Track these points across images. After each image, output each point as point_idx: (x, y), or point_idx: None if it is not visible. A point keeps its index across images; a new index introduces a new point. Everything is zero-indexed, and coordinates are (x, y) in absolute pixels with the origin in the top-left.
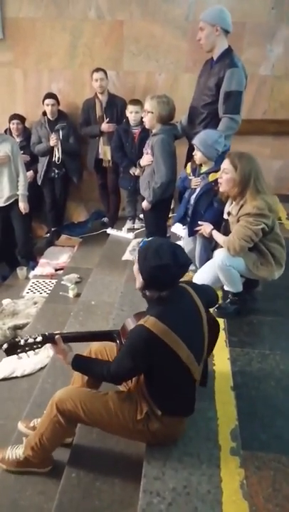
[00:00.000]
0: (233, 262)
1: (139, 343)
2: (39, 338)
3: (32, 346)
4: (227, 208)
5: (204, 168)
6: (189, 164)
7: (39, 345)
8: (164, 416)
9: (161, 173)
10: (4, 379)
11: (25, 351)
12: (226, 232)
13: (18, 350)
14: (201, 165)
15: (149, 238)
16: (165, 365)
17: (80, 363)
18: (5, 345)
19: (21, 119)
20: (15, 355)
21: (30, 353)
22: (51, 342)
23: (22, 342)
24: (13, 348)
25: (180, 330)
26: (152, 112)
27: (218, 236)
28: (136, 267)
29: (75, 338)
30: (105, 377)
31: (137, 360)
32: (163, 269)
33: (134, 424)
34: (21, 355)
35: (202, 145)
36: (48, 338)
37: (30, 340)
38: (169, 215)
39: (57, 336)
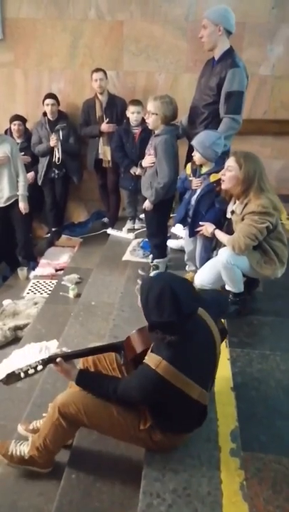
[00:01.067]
0: (238, 260)
1: (149, 386)
2: (39, 367)
3: (33, 375)
4: (231, 207)
5: (205, 169)
6: (189, 165)
7: (40, 371)
8: (167, 432)
9: (164, 173)
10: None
11: (26, 378)
12: (229, 231)
13: (18, 380)
14: (201, 166)
15: (153, 273)
16: (175, 402)
17: (85, 381)
18: (3, 379)
19: (22, 120)
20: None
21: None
22: (52, 363)
23: (22, 375)
24: (13, 379)
25: (193, 371)
26: (157, 114)
27: (221, 235)
28: (139, 301)
29: (76, 355)
30: (110, 398)
31: (145, 398)
32: (165, 324)
33: (136, 432)
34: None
35: (200, 146)
36: (48, 361)
37: (31, 371)
38: (170, 216)
39: (58, 360)
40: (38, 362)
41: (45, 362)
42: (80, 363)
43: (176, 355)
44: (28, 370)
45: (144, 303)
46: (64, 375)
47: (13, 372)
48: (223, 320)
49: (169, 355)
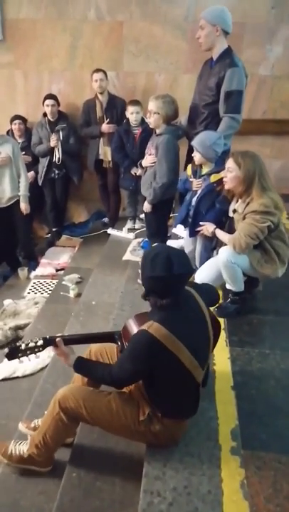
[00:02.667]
0: (238, 259)
1: (141, 348)
2: (40, 342)
3: (33, 350)
4: (232, 206)
5: (205, 170)
6: (190, 166)
7: (40, 349)
8: (165, 418)
9: (163, 173)
10: (5, 379)
11: (27, 355)
12: (230, 230)
13: (19, 355)
14: (201, 166)
15: (153, 244)
16: (167, 370)
17: (82, 366)
18: (6, 350)
19: (23, 119)
20: (16, 359)
21: (32, 356)
22: (52, 345)
23: (23, 346)
24: (14, 352)
25: (183, 336)
26: (158, 113)
27: (221, 234)
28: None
29: (76, 340)
30: (107, 381)
31: (138, 365)
32: (156, 279)
33: (135, 425)
34: (22, 358)
35: (201, 146)
36: (49, 342)
37: (31, 344)
38: (170, 216)
39: (58, 339)
40: (39, 338)
41: (46, 340)
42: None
43: (167, 317)
44: (29, 343)
45: (142, 264)
46: (62, 358)
47: (15, 344)
48: (222, 319)
49: (160, 317)
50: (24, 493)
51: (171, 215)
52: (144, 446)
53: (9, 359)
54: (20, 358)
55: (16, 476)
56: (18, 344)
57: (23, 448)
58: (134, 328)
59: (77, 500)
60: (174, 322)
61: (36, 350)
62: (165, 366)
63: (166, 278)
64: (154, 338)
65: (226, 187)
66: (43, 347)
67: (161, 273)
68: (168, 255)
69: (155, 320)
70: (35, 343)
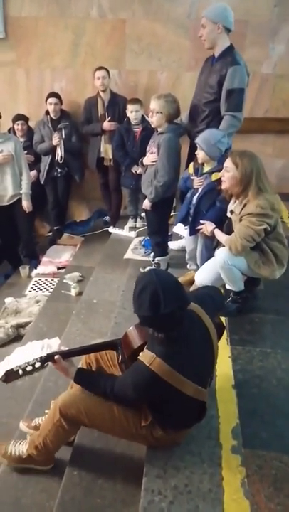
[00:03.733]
0: (235, 261)
1: (142, 383)
2: (37, 364)
3: (31, 372)
4: (230, 207)
5: (207, 168)
6: (192, 164)
7: (38, 369)
8: (167, 428)
9: (165, 171)
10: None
11: (24, 376)
12: (229, 230)
13: (17, 378)
14: (203, 164)
15: (144, 272)
16: (170, 400)
17: (83, 378)
18: (2, 377)
19: (25, 119)
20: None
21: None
22: (51, 361)
23: (20, 372)
24: (11, 377)
25: (187, 368)
26: (161, 112)
27: (220, 235)
28: None
29: (74, 353)
30: (107, 396)
31: (140, 396)
32: (145, 318)
33: (137, 430)
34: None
35: (205, 144)
36: (46, 359)
37: (29, 368)
38: (171, 214)
39: (56, 357)
40: (36, 359)
41: (44, 360)
42: (82, 360)
43: (169, 352)
44: (26, 367)
45: (133, 295)
46: (62, 372)
47: (12, 369)
48: (224, 318)
49: (162, 352)
50: (25, 491)
51: (172, 213)
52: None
53: (6, 382)
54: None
55: (17, 474)
56: (14, 369)
57: (22, 448)
58: (134, 340)
59: (78, 499)
60: (176, 356)
61: (34, 371)
62: (168, 397)
63: (154, 318)
64: (156, 376)
65: (223, 187)
66: (42, 366)
67: (147, 313)
68: (154, 290)
69: (156, 354)
70: (33, 365)
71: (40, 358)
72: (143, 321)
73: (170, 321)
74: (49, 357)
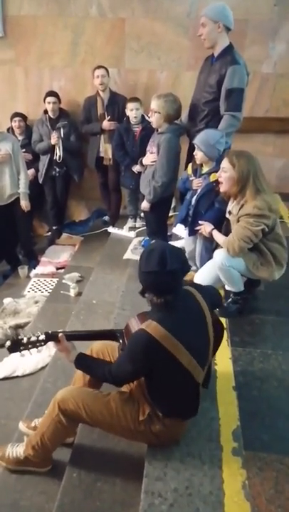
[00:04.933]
0: (233, 262)
1: (139, 348)
2: (42, 337)
3: (35, 344)
4: (228, 207)
5: (205, 169)
6: (190, 165)
7: (42, 344)
8: (165, 418)
9: (163, 172)
10: (5, 378)
11: (28, 349)
12: (227, 231)
13: (21, 348)
14: (202, 165)
15: (152, 241)
16: (165, 369)
17: (83, 362)
18: (8, 343)
19: (23, 116)
20: (17, 353)
21: (33, 350)
22: (54, 340)
23: (25, 340)
24: (16, 345)
25: (182, 335)
26: (160, 112)
27: (218, 236)
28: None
29: (78, 336)
30: (107, 378)
31: (136, 364)
32: (150, 275)
33: (135, 425)
34: (24, 352)
35: (204, 145)
36: (51, 336)
37: (33, 339)
38: (170, 214)
39: (60, 334)
40: (41, 332)
41: (48, 335)
42: None
43: (166, 317)
44: (31, 337)
45: (139, 260)
46: (64, 353)
47: (17, 337)
48: (224, 319)
49: (159, 317)
50: (24, 493)
51: (171, 214)
52: (145, 446)
53: (10, 352)
54: (22, 352)
55: (16, 476)
56: (20, 337)
57: (19, 450)
58: (135, 327)
59: (77, 501)
60: (172, 321)
61: (38, 344)
62: (163, 365)
63: (160, 273)
64: (152, 338)
65: (221, 189)
66: (45, 342)
67: (154, 268)
68: (163, 251)
69: (153, 319)
70: (37, 337)
71: (46, 332)
72: (147, 280)
73: (172, 281)
74: (53, 334)
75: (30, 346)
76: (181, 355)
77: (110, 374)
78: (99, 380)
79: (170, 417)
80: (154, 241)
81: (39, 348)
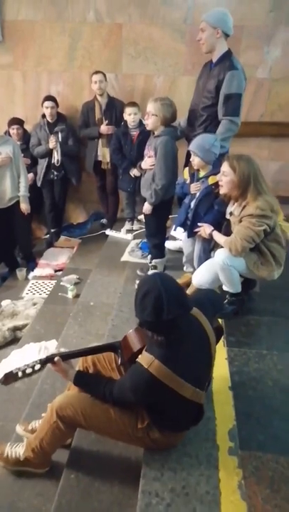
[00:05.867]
0: (234, 261)
1: (141, 385)
2: (37, 366)
3: (30, 374)
4: (229, 209)
5: (202, 173)
6: (187, 170)
7: (38, 371)
8: (165, 430)
9: (162, 174)
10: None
11: (24, 378)
12: (227, 232)
13: (16, 379)
14: (198, 170)
15: (151, 271)
16: (168, 402)
17: (82, 381)
18: (2, 378)
19: (20, 123)
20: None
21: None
22: (50, 363)
23: (20, 374)
24: (10, 379)
25: (186, 371)
26: (156, 115)
27: (218, 237)
28: None
29: (74, 355)
30: (107, 399)
31: (138, 397)
32: (147, 323)
33: (134, 432)
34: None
35: (200, 150)
36: (46, 361)
37: (29, 370)
38: (169, 217)
39: (56, 359)
40: (36, 361)
41: (43, 361)
42: (79, 363)
43: (168, 354)
44: (26, 369)
45: (135, 298)
46: (62, 374)
47: (11, 372)
48: (220, 320)
49: (161, 355)
50: (21, 495)
51: (170, 216)
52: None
53: (5, 384)
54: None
55: (13, 477)
56: (14, 372)
57: (19, 450)
58: (134, 344)
59: (75, 502)
60: (174, 359)
61: (34, 373)
62: (166, 399)
63: (156, 323)
64: (155, 378)
65: (221, 192)
66: (41, 368)
67: (149, 318)
68: (158, 295)
69: (155, 356)
70: (32, 367)
71: (40, 360)
72: (144, 325)
73: (171, 327)
74: (49, 359)
75: (26, 376)
76: (185, 391)
77: (111, 396)
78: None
79: (170, 431)
80: (151, 273)
81: (36, 369)
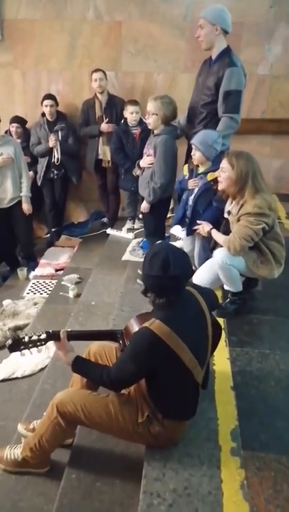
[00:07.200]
0: (234, 261)
1: (142, 345)
2: (43, 336)
3: (36, 343)
4: (227, 207)
5: (202, 169)
6: (186, 166)
7: (43, 343)
8: (165, 419)
9: (161, 173)
10: (4, 380)
11: (29, 348)
12: (226, 231)
13: (22, 347)
14: (198, 165)
15: (154, 243)
16: (167, 368)
17: (80, 365)
18: (9, 341)
19: (21, 122)
20: (18, 352)
21: (34, 350)
22: (55, 339)
23: (26, 339)
24: (17, 344)
25: (184, 334)
26: (157, 114)
27: (217, 235)
28: None
29: (78, 336)
30: (104, 382)
31: (139, 363)
32: (153, 278)
33: (134, 427)
34: (24, 351)
35: (202, 145)
36: (52, 336)
37: (35, 337)
38: (168, 216)
39: (62, 331)
40: (42, 331)
41: (49, 334)
42: None
43: (169, 316)
44: (32, 336)
45: (143, 260)
46: (62, 353)
47: (18, 336)
48: (222, 319)
49: (162, 315)
50: (23, 495)
51: (169, 215)
52: (144, 447)
53: (11, 351)
54: (22, 351)
55: (15, 477)
56: (21, 336)
57: (16, 452)
58: (135, 328)
59: (76, 502)
60: (175, 320)
61: (39, 343)
62: (165, 364)
63: (162, 278)
64: (156, 335)
65: (219, 187)
66: (46, 341)
67: (157, 273)
68: (166, 255)
69: (157, 317)
70: (39, 336)
71: (47, 331)
72: (150, 282)
73: (174, 285)
74: (54, 333)
75: (31, 345)
76: (184, 354)
77: (109, 376)
78: (96, 384)
79: (169, 418)
80: (159, 242)
81: (39, 347)
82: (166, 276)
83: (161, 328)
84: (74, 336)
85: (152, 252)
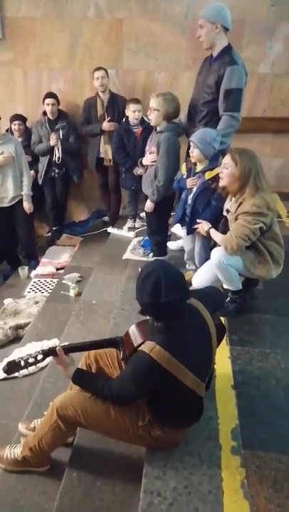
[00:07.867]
0: (231, 260)
1: (142, 371)
2: (40, 357)
3: (32, 364)
4: (226, 205)
5: (199, 167)
6: (184, 165)
7: (40, 362)
8: (165, 426)
9: (164, 171)
10: (5, 379)
11: (26, 368)
12: (225, 229)
13: (18, 369)
14: (196, 164)
15: (152, 258)
16: (169, 390)
17: (81, 378)
18: (4, 367)
19: (22, 119)
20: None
21: (31, 368)
22: (52, 355)
23: (22, 363)
24: (13, 368)
25: (186, 357)
26: (159, 110)
27: (215, 235)
28: None
29: (77, 348)
30: (106, 397)
31: (139, 387)
32: (145, 305)
33: (134, 430)
34: (22, 371)
35: (200, 142)
36: (49, 353)
37: (31, 360)
38: (171, 214)
39: (58, 348)
40: (39, 352)
41: (46, 352)
42: (81, 360)
43: (169, 340)
44: (29, 359)
45: (136, 282)
46: (62, 368)
47: (14, 361)
48: (222, 318)
49: (162, 340)
50: (24, 493)
51: (171, 213)
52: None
53: (7, 374)
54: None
55: (16, 475)
56: (16, 361)
57: (16, 451)
58: (136, 337)
59: (77, 501)
60: (175, 345)
61: (36, 363)
62: (166, 386)
63: (154, 305)
64: (156, 363)
65: (221, 184)
66: (43, 359)
67: (148, 299)
68: (157, 278)
69: (157, 342)
70: (35, 357)
71: (43, 350)
72: (143, 308)
73: (169, 310)
74: (51, 350)
75: (28, 367)
76: (185, 378)
77: (111, 392)
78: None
79: (170, 427)
80: (152, 260)
81: (39, 359)
82: (157, 303)
83: (162, 355)
84: (72, 349)
85: (144, 274)
